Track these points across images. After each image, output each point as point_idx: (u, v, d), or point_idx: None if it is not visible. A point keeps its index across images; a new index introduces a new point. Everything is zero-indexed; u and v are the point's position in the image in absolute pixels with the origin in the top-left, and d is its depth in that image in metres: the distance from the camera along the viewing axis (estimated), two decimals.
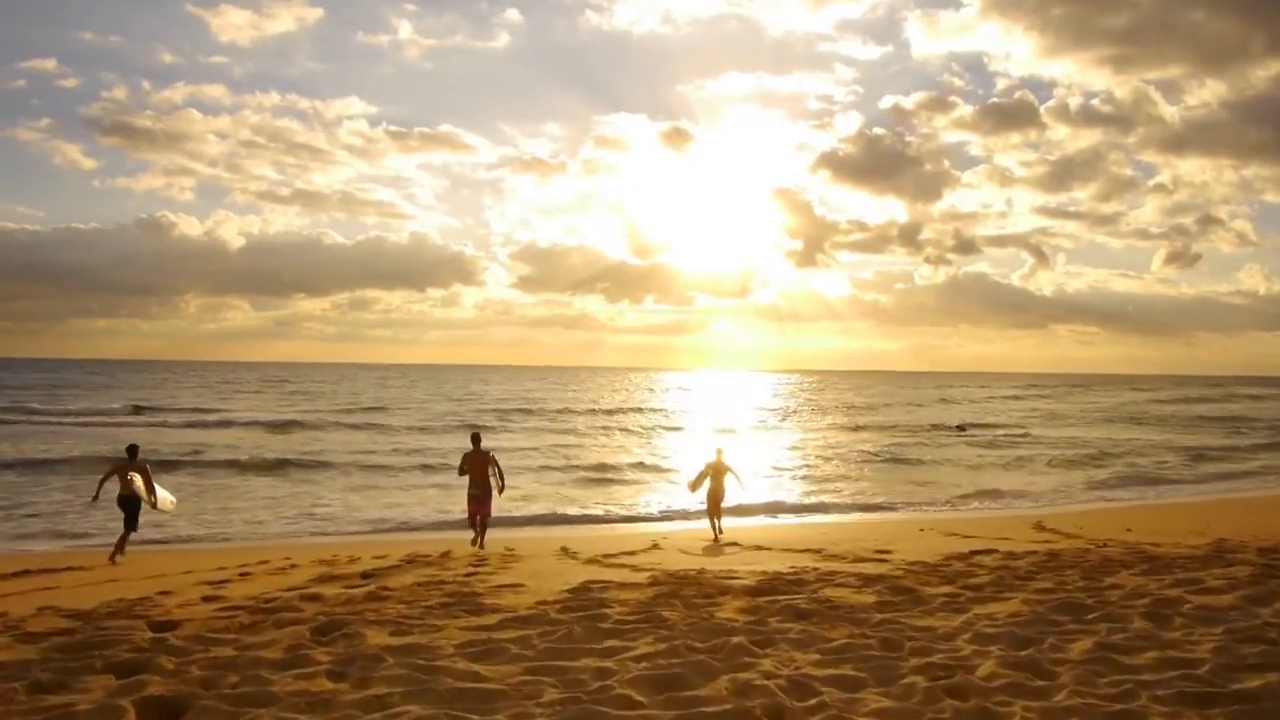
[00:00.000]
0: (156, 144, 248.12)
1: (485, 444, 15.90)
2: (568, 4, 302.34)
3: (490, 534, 16.89)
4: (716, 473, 16.92)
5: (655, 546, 15.64)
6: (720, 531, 16.74)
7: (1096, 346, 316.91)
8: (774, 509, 23.86)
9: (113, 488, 14.19)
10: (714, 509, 16.92)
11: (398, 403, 67.60)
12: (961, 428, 50.01)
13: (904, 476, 30.35)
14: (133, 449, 14.70)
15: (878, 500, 25.22)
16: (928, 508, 24.66)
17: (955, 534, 16.62)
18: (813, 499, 25.49)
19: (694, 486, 17.22)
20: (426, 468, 29.79)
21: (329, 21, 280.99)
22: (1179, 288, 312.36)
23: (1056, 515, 21.07)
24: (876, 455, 36.39)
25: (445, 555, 14.34)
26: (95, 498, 14.21)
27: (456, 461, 15.81)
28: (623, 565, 11.30)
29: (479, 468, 15.21)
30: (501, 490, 15.58)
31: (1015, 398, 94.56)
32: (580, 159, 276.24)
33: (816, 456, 36.18)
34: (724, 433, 47.45)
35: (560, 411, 58.01)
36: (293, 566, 13.02)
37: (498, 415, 52.93)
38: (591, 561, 12.31)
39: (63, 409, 52.09)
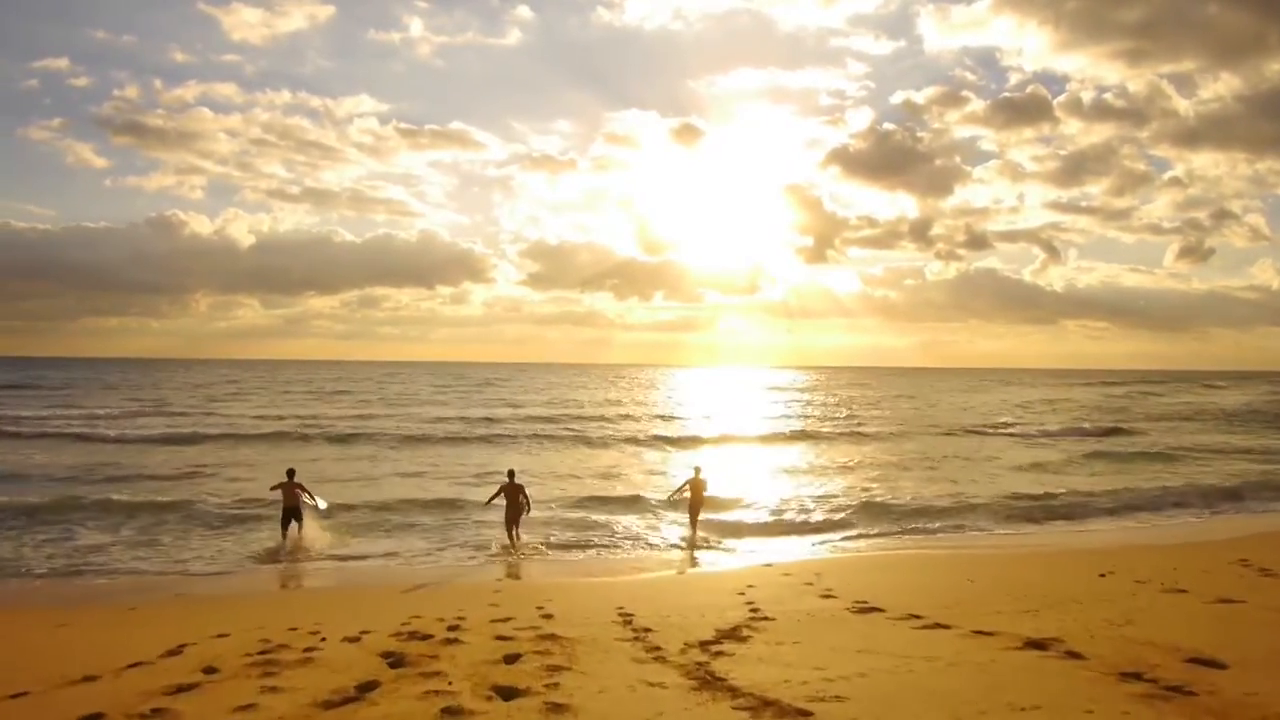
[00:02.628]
0: (168, 142, 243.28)
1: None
2: (579, 0, 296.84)
3: (522, 583, 12.55)
4: (695, 489, 18.00)
5: (757, 613, 10.55)
6: (695, 534, 18.08)
7: (1107, 342, 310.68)
8: (898, 531, 18.87)
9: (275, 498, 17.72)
10: (692, 519, 18.24)
11: (410, 407, 62.05)
12: None
13: (1018, 487, 25.09)
14: (291, 471, 17.49)
15: (998, 521, 20.14)
16: (1062, 527, 19.55)
17: (1180, 588, 11.43)
18: (933, 523, 20.39)
19: (676, 500, 18.57)
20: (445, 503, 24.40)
21: (340, 19, 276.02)
22: (1190, 282, 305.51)
23: (1253, 541, 15.96)
24: (982, 463, 31.16)
25: (451, 645, 9.20)
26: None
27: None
28: (765, 700, 6.08)
29: (512, 494, 17.43)
30: (528, 512, 17.62)
31: (1116, 394, 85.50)
32: (590, 156, 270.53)
33: (919, 467, 30.63)
34: (801, 439, 41.26)
35: (582, 418, 49.74)
36: (208, 672, 7.90)
37: (515, 421, 46.54)
38: (697, 676, 7.11)
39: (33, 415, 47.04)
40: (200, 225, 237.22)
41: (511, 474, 17.79)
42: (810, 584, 13.17)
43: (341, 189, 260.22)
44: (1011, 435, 43.46)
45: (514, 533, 17.32)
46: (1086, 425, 47.89)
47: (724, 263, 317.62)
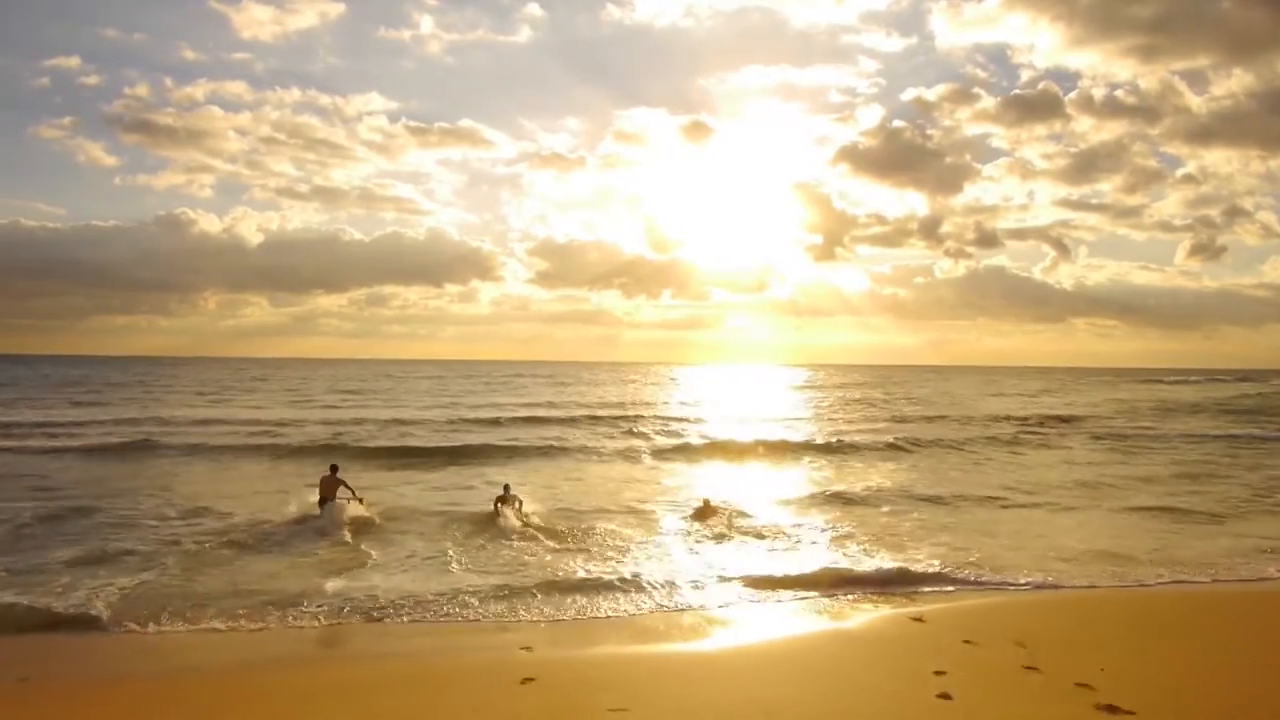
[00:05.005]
0: (177, 141, 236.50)
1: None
2: None
3: (568, 659, 8.59)
4: (703, 514, 17.13)
5: None
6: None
7: (1115, 340, 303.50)
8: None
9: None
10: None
11: (421, 413, 55.83)
12: None
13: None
14: (334, 467, 16.95)
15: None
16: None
17: None
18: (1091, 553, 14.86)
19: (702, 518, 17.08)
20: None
21: (351, 17, 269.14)
22: (1201, 280, 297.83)
23: None
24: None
25: None
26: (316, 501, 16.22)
27: None
28: None
29: (506, 504, 16.74)
30: (525, 514, 16.53)
31: (1229, 393, 73.55)
32: (599, 154, 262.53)
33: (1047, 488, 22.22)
34: (875, 447, 30.57)
35: (610, 420, 40.29)
36: None
37: (527, 424, 38.63)
38: None
39: None
40: (209, 224, 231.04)
41: (507, 488, 17.40)
42: (1034, 669, 7.99)
43: (350, 187, 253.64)
44: (1163, 438, 34.98)
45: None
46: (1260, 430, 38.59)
47: (732, 261, 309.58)
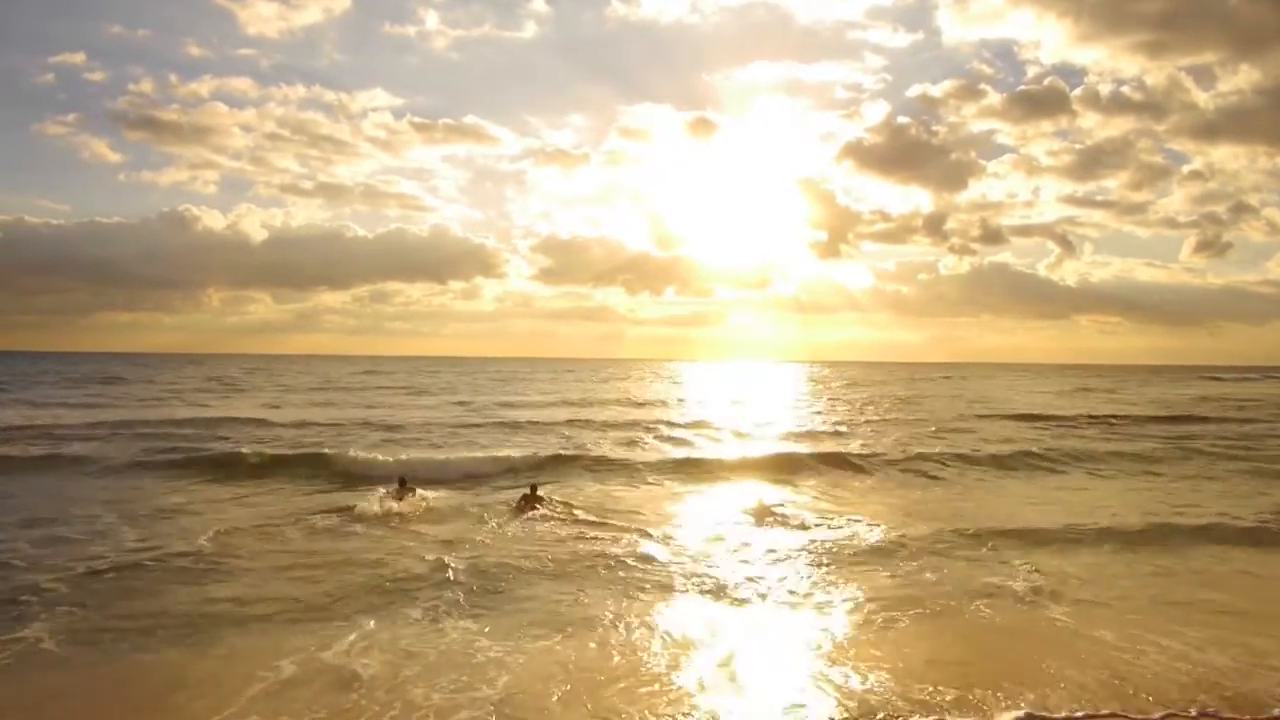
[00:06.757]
0: (182, 137, 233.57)
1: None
2: None
3: None
4: (759, 516, 16.23)
5: None
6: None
7: (1119, 337, 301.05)
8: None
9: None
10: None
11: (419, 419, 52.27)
12: None
13: None
14: (403, 479, 17.62)
15: None
16: None
17: None
18: None
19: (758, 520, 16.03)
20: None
21: (356, 13, 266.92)
22: (1205, 277, 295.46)
23: None
24: None
25: None
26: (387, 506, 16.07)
27: None
28: None
29: (530, 502, 16.39)
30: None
31: None
32: (604, 150, 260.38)
33: None
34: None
35: (627, 421, 37.49)
36: None
37: (542, 427, 35.23)
38: None
39: None
40: (213, 220, 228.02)
41: (534, 488, 17.26)
42: None
43: (354, 184, 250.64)
44: None
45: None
46: None
47: (737, 257, 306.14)
